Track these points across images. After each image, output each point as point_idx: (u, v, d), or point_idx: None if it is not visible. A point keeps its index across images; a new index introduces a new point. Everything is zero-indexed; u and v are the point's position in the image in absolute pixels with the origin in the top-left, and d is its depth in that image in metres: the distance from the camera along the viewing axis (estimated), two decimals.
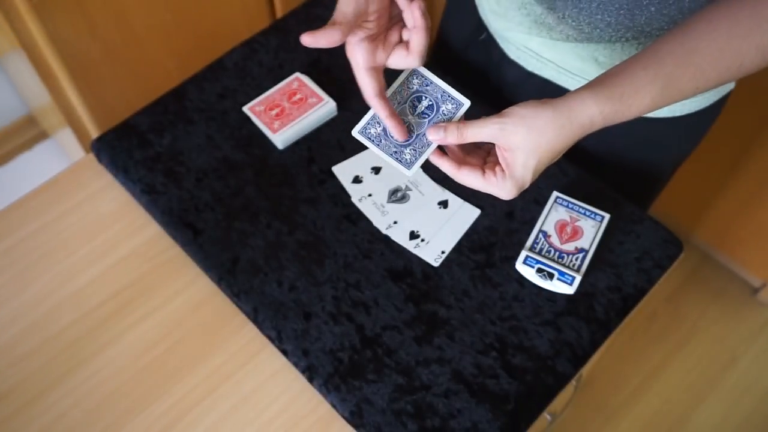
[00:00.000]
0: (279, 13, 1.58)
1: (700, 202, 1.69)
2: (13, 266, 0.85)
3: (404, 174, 0.67)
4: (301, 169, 0.90)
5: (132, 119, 0.94)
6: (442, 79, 0.69)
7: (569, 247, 0.82)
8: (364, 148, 0.91)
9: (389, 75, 0.68)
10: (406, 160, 0.67)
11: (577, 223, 0.83)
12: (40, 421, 0.75)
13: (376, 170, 0.89)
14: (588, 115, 0.63)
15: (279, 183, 0.89)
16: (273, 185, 0.88)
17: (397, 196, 0.87)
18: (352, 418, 0.73)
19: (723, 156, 1.56)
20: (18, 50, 1.35)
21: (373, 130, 0.68)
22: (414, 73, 0.68)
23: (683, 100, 0.67)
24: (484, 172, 0.66)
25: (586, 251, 0.81)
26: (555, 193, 0.86)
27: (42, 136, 1.96)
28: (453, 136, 0.65)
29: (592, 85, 0.64)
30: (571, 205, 0.85)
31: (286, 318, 0.79)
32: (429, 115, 0.68)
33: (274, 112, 0.92)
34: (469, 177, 0.66)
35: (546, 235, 0.83)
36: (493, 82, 1.01)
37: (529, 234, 0.83)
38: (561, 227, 0.83)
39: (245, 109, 0.93)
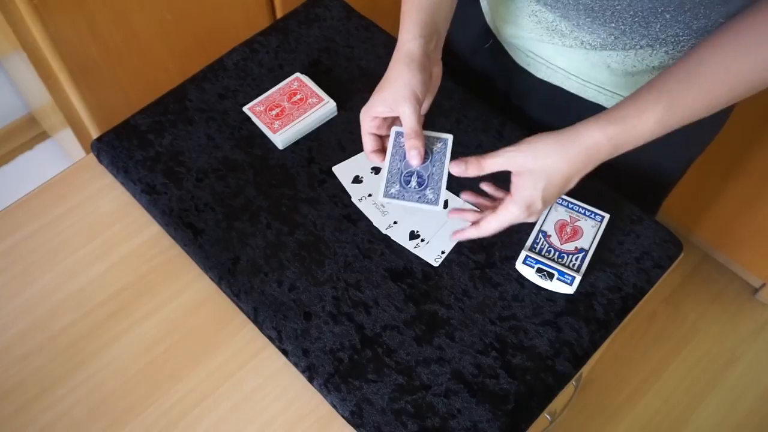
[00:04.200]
0: (279, 13, 1.58)
1: (700, 202, 1.69)
2: (13, 266, 0.85)
3: (437, 211, 0.76)
4: (301, 169, 0.90)
5: (132, 119, 0.95)
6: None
7: (569, 247, 0.82)
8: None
9: None
10: (431, 199, 0.75)
11: (576, 223, 0.84)
12: (40, 420, 0.75)
13: (376, 170, 0.89)
14: (592, 138, 0.67)
15: (279, 183, 0.89)
16: (273, 185, 0.88)
17: None
18: (352, 418, 0.73)
19: (723, 156, 1.56)
20: (19, 51, 1.36)
21: (393, 190, 0.76)
22: (397, 134, 0.78)
23: (699, 118, 0.67)
24: (494, 211, 0.72)
25: (586, 251, 0.81)
26: None
27: (42, 136, 1.97)
28: (473, 168, 0.71)
29: (599, 114, 0.67)
30: (570, 205, 0.85)
31: (286, 318, 0.79)
32: (427, 159, 0.77)
33: (274, 112, 0.92)
34: (487, 223, 0.73)
35: (546, 235, 0.83)
36: (501, 89, 1.01)
37: (528, 234, 0.83)
38: (561, 227, 0.83)
39: (245, 109, 0.93)
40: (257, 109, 0.93)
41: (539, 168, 0.68)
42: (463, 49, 1.04)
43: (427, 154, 0.77)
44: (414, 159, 0.74)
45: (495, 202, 0.77)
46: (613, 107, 0.68)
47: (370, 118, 0.76)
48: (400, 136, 0.77)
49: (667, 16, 0.71)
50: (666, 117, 0.66)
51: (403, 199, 0.75)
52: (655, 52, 0.77)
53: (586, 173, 0.70)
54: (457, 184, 0.88)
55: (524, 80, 0.94)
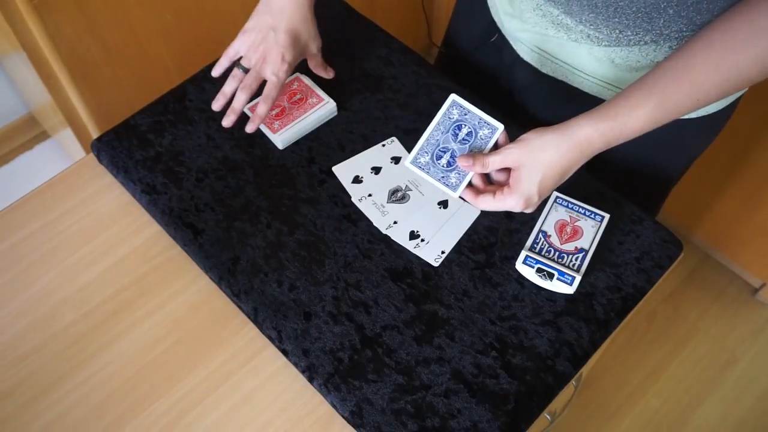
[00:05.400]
0: None
1: (700, 202, 1.69)
2: (14, 266, 0.85)
3: (452, 196, 0.77)
4: (301, 169, 0.90)
5: (132, 119, 0.95)
6: (478, 106, 0.77)
7: (569, 247, 0.82)
8: (364, 148, 0.91)
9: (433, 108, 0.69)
10: (452, 183, 0.76)
11: (576, 223, 0.84)
12: (41, 420, 0.75)
13: (376, 170, 0.89)
14: (584, 134, 0.70)
15: (279, 183, 0.89)
16: (273, 185, 0.89)
17: (397, 196, 0.87)
18: (352, 418, 0.73)
19: (723, 156, 1.56)
20: (19, 51, 1.36)
21: (422, 160, 0.77)
22: (453, 104, 0.78)
23: (691, 113, 0.70)
24: (494, 194, 0.74)
25: (586, 251, 0.81)
26: (555, 193, 0.86)
27: (43, 136, 1.97)
28: (479, 165, 0.75)
29: (592, 109, 0.71)
30: (570, 205, 0.85)
31: (286, 318, 0.79)
32: (469, 141, 0.77)
33: (274, 112, 0.92)
34: (483, 201, 0.75)
35: (546, 235, 0.83)
36: (503, 85, 1.01)
37: (529, 234, 0.83)
38: (561, 227, 0.83)
39: (245, 109, 0.93)
40: None
41: (535, 163, 0.71)
42: (467, 43, 1.04)
43: (471, 134, 0.77)
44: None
45: (495, 185, 0.79)
46: (606, 103, 0.71)
47: (287, 67, 0.85)
48: (454, 107, 0.77)
49: (671, 11, 0.72)
50: (656, 113, 0.69)
51: (428, 173, 0.76)
52: (659, 47, 0.77)
53: (582, 165, 0.73)
54: None
55: (528, 76, 0.94)
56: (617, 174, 0.91)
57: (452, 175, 0.76)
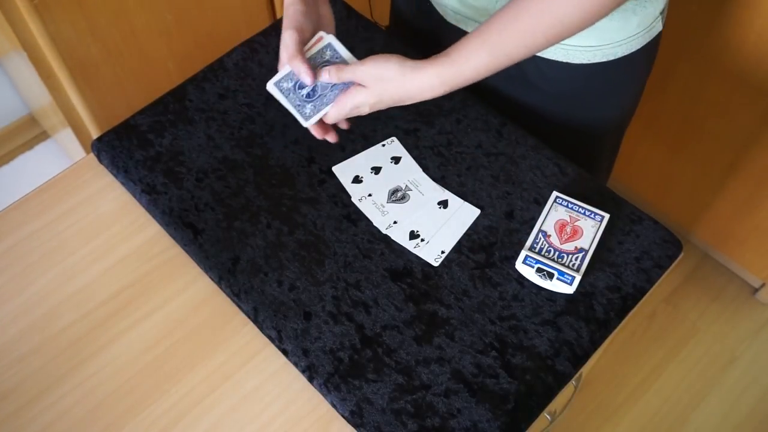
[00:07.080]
0: (279, 13, 1.58)
1: (700, 201, 1.70)
2: (13, 266, 0.85)
3: (302, 124, 0.81)
4: (301, 169, 0.90)
5: (132, 119, 0.95)
6: (353, 53, 0.82)
7: (569, 246, 0.82)
8: (364, 148, 0.91)
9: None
10: (306, 113, 0.80)
11: (576, 223, 0.84)
12: (40, 420, 0.75)
13: (376, 170, 0.90)
14: (428, 79, 0.77)
15: (279, 183, 0.89)
16: (273, 185, 0.89)
17: (397, 196, 0.88)
18: (352, 418, 0.73)
19: (722, 156, 1.56)
20: (19, 50, 1.36)
21: (285, 85, 0.80)
22: (328, 46, 0.82)
23: (524, 58, 0.76)
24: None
25: (586, 251, 0.81)
26: (555, 193, 0.86)
27: (42, 136, 1.97)
28: (334, 76, 0.80)
29: (437, 55, 0.78)
30: (570, 205, 0.85)
31: (286, 318, 0.79)
32: (330, 83, 0.81)
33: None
34: (330, 135, 0.84)
35: (546, 234, 0.83)
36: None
37: (528, 234, 0.83)
38: (561, 227, 0.83)
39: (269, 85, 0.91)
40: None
41: (375, 88, 0.78)
42: (407, 8, 1.07)
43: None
44: (305, 78, 0.79)
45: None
46: (448, 49, 0.77)
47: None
48: (328, 49, 0.82)
49: None
50: (489, 62, 0.76)
51: (287, 98, 0.80)
52: None
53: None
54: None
55: (456, 39, 0.97)
56: (551, 133, 0.95)
57: (308, 106, 0.80)
